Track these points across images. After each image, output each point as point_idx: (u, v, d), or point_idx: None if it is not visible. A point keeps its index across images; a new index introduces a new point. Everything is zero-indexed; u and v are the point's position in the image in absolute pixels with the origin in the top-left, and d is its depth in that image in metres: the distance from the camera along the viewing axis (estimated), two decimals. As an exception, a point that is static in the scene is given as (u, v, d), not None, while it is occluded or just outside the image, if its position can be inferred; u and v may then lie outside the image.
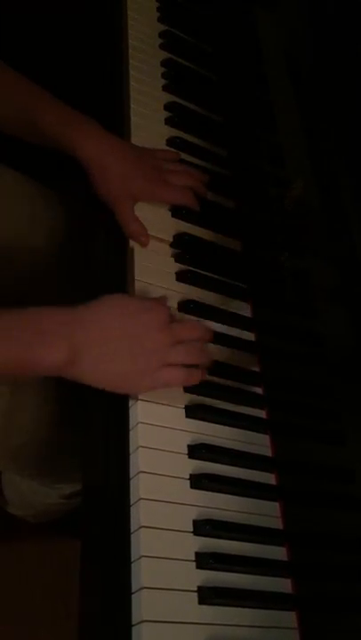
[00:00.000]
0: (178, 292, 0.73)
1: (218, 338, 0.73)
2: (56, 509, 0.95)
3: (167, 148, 0.85)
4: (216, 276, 0.77)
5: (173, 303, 0.72)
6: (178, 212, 0.80)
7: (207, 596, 0.57)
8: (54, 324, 0.60)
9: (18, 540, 1.04)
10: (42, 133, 0.77)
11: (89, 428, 0.66)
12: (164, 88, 0.90)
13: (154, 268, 0.73)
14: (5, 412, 0.79)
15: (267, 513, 0.66)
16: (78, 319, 0.61)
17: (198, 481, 0.63)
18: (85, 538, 0.62)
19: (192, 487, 0.62)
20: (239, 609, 0.59)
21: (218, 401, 0.69)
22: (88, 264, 0.80)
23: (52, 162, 0.81)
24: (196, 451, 0.64)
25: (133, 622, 0.54)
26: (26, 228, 0.87)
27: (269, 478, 0.68)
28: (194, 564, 0.58)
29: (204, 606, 0.57)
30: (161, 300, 0.69)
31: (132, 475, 0.61)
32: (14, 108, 0.78)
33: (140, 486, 0.59)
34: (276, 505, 0.67)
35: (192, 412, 0.66)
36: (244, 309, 0.78)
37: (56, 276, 0.94)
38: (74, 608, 0.60)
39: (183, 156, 0.85)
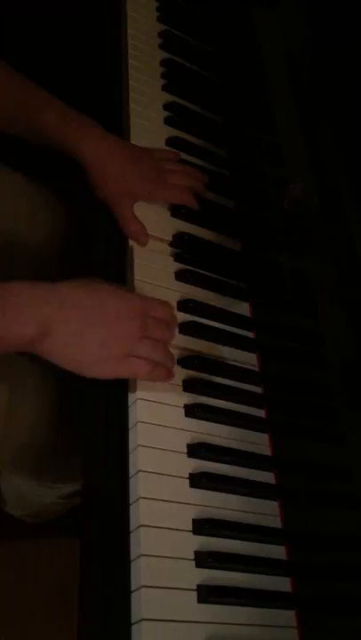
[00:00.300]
0: (177, 291, 0.73)
1: (217, 337, 0.73)
2: (55, 509, 0.95)
3: (166, 147, 0.85)
4: (215, 276, 0.77)
5: (173, 302, 0.72)
6: (177, 211, 0.80)
7: (206, 594, 0.58)
8: (27, 298, 0.59)
9: (17, 539, 1.04)
10: (41, 133, 0.77)
11: (88, 428, 0.67)
12: (164, 88, 0.91)
13: (153, 267, 0.73)
14: (4, 411, 0.79)
15: (266, 512, 0.66)
16: (53, 296, 0.61)
17: (198, 480, 0.63)
18: (85, 537, 0.63)
19: (191, 486, 0.62)
20: (238, 607, 0.59)
21: (217, 400, 0.69)
22: (88, 264, 0.80)
23: (52, 162, 0.81)
24: (195, 450, 0.64)
25: (133, 621, 0.55)
26: (25, 227, 0.87)
27: (269, 477, 0.68)
28: (193, 562, 0.59)
29: (203, 605, 0.57)
30: (140, 295, 0.69)
31: (131, 474, 0.61)
32: (14, 108, 0.78)
33: (140, 485, 0.59)
34: (276, 504, 0.67)
35: (191, 411, 0.66)
36: (244, 309, 0.78)
37: (56, 276, 0.94)
38: (73, 607, 0.60)
39: (183, 155, 0.85)
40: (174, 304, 0.72)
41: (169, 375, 0.66)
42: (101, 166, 0.75)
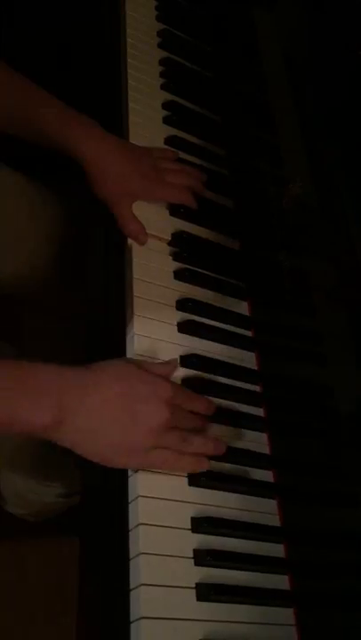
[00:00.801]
0: (176, 290, 0.74)
1: (216, 335, 0.73)
2: (54, 508, 0.95)
3: (165, 146, 0.85)
4: (214, 275, 0.78)
5: (172, 302, 0.72)
6: (176, 210, 0.80)
7: (205, 592, 0.58)
8: (46, 382, 0.57)
9: (16, 538, 1.04)
10: (40, 133, 0.77)
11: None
12: (163, 87, 0.90)
13: (152, 266, 0.73)
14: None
15: (265, 510, 0.66)
16: (73, 381, 0.58)
17: (196, 478, 0.63)
18: (84, 535, 0.63)
19: (190, 485, 0.62)
20: (237, 605, 0.59)
21: (216, 399, 0.69)
22: (87, 263, 0.80)
23: (51, 161, 0.81)
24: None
25: (132, 619, 0.55)
26: (24, 227, 0.88)
27: (268, 476, 0.68)
28: (192, 560, 0.59)
29: (202, 603, 0.57)
30: (166, 373, 0.65)
31: (130, 472, 0.61)
32: (14, 108, 0.78)
33: (139, 484, 0.60)
34: (274, 502, 0.67)
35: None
36: (243, 308, 0.78)
37: (55, 276, 0.94)
38: (73, 605, 0.61)
39: (181, 154, 0.85)
40: (173, 303, 0.72)
41: (201, 465, 0.63)
42: (101, 166, 0.75)
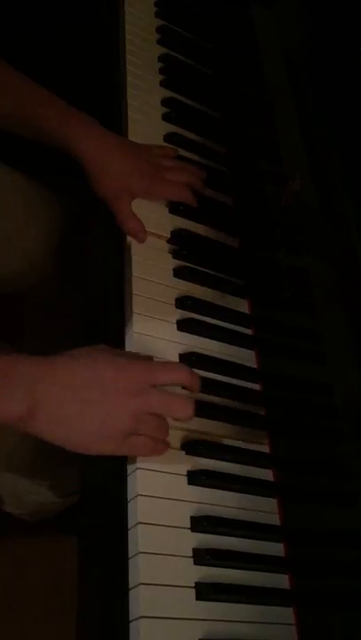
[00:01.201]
0: (175, 288, 0.73)
1: (215, 334, 0.73)
2: (52, 508, 0.95)
3: (164, 144, 0.85)
4: (214, 273, 0.77)
5: (171, 299, 0.72)
6: (175, 208, 0.79)
7: (205, 591, 0.57)
8: (17, 374, 0.55)
9: (14, 538, 1.04)
10: (40, 131, 0.76)
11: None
12: (162, 84, 0.90)
13: (151, 264, 0.73)
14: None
15: (264, 509, 0.66)
16: (46, 370, 0.57)
17: (196, 477, 0.62)
18: (83, 534, 0.62)
19: (189, 483, 0.62)
20: (237, 605, 0.59)
21: (216, 397, 0.69)
22: (86, 261, 0.80)
23: (50, 159, 0.81)
24: (193, 447, 0.64)
25: (131, 618, 0.54)
26: (22, 225, 0.87)
27: (267, 474, 0.68)
28: (191, 560, 0.58)
29: (201, 602, 0.57)
30: (146, 360, 0.64)
31: (129, 472, 0.61)
32: (13, 106, 0.77)
33: (138, 483, 0.59)
34: (274, 501, 0.67)
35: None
36: (242, 306, 0.78)
37: (53, 274, 0.94)
38: (71, 604, 0.60)
39: (181, 152, 0.85)
40: (173, 301, 0.72)
41: (166, 447, 0.62)
42: (100, 164, 0.75)
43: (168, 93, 0.90)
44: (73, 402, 0.57)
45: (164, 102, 0.89)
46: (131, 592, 0.55)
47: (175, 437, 0.64)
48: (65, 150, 0.75)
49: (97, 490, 0.63)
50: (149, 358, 0.65)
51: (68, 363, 0.58)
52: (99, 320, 0.73)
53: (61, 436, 0.58)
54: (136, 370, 0.60)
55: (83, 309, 0.78)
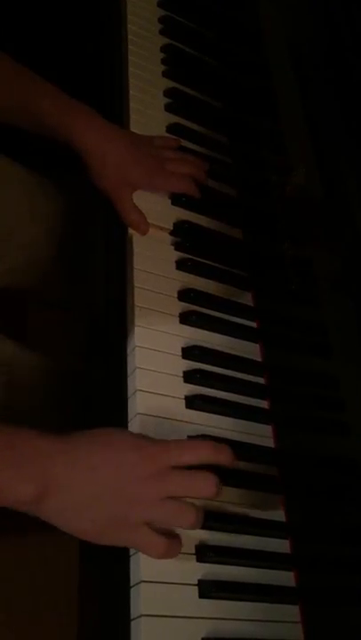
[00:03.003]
0: (178, 280, 0.72)
1: (219, 326, 0.72)
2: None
3: (167, 134, 0.84)
4: (217, 265, 0.76)
5: (173, 292, 0.71)
6: (178, 199, 0.78)
7: (208, 589, 0.56)
8: (30, 453, 0.52)
9: (18, 533, 1.04)
10: (39, 122, 0.76)
11: (84, 422, 0.65)
12: (164, 74, 0.89)
13: (153, 256, 0.72)
14: (0, 406, 0.78)
15: (269, 505, 0.65)
16: (59, 453, 0.53)
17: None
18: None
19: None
20: (241, 602, 0.58)
21: (218, 391, 0.68)
22: (87, 253, 0.79)
23: (51, 152, 0.80)
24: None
25: (132, 617, 0.53)
26: (24, 218, 0.86)
27: (271, 470, 0.67)
28: (194, 557, 0.57)
29: (204, 600, 0.56)
30: (165, 444, 0.57)
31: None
32: (12, 97, 0.77)
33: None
34: (279, 497, 0.66)
35: (192, 403, 0.65)
36: (246, 298, 0.77)
37: (56, 268, 0.93)
38: (75, 602, 0.60)
39: (183, 142, 0.84)
40: (175, 294, 0.71)
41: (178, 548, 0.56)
42: (100, 156, 0.74)
43: (170, 84, 0.89)
44: (84, 487, 0.53)
45: (167, 93, 0.88)
46: (132, 590, 0.55)
47: (178, 431, 0.62)
48: (65, 142, 0.74)
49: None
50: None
51: (85, 442, 0.55)
52: (101, 314, 0.73)
53: (70, 523, 0.54)
54: (156, 451, 0.55)
55: (85, 303, 0.77)
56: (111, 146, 0.75)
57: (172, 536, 0.55)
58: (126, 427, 0.62)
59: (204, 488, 0.56)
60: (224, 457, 0.57)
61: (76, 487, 0.53)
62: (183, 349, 0.68)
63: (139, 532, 0.54)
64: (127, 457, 0.54)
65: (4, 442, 0.52)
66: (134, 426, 0.61)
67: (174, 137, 0.83)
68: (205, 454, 0.57)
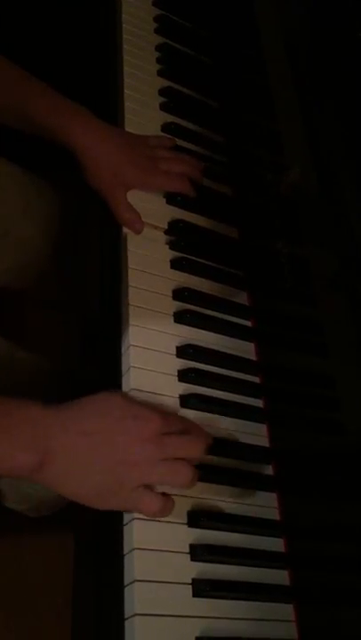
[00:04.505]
0: (172, 279, 0.72)
1: (214, 325, 0.72)
2: (53, 503, 0.94)
3: (162, 134, 0.84)
4: (212, 264, 0.76)
5: (168, 291, 0.71)
6: (173, 198, 0.78)
7: (202, 588, 0.56)
8: (30, 421, 0.54)
9: (16, 533, 1.04)
10: (34, 123, 0.76)
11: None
12: (159, 73, 0.89)
13: (148, 255, 0.72)
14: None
15: (263, 504, 0.65)
16: (58, 420, 0.55)
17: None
18: (78, 531, 0.62)
19: (187, 478, 0.61)
20: (235, 601, 0.58)
21: (213, 390, 0.68)
22: (82, 253, 0.79)
23: (46, 151, 0.80)
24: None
25: (126, 616, 0.53)
26: (18, 217, 0.86)
27: (266, 469, 0.67)
28: (188, 556, 0.57)
29: (198, 599, 0.56)
30: (157, 410, 0.60)
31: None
32: (7, 97, 0.77)
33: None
34: (273, 496, 0.66)
35: (186, 401, 0.65)
36: (241, 297, 0.77)
37: (52, 267, 0.93)
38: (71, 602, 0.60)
39: (178, 142, 0.84)
40: (170, 293, 0.71)
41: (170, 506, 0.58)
42: (93, 155, 0.74)
43: (166, 83, 0.89)
44: (83, 451, 0.55)
45: (162, 92, 0.87)
46: (126, 589, 0.55)
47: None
48: (58, 141, 0.74)
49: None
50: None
51: (81, 408, 0.57)
52: (96, 313, 0.73)
53: (68, 488, 0.56)
54: (150, 416, 0.58)
55: (80, 303, 0.77)
56: (106, 146, 0.74)
57: (165, 496, 0.57)
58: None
59: (194, 448, 0.59)
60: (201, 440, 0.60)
61: (73, 453, 0.54)
62: (178, 348, 0.68)
63: (134, 493, 0.56)
64: (121, 422, 0.56)
65: (3, 411, 0.54)
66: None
67: (169, 136, 0.83)
68: (191, 427, 0.61)
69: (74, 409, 0.57)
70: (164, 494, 0.57)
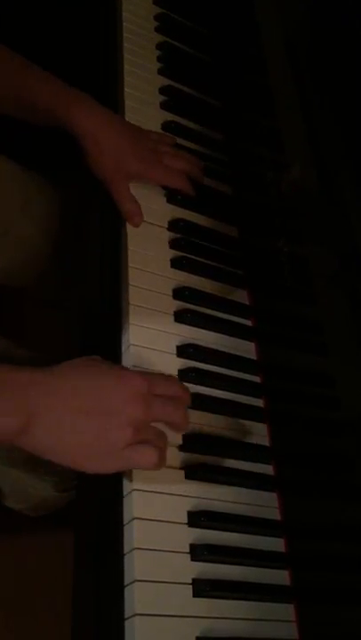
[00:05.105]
0: (172, 278, 0.72)
1: (214, 327, 0.72)
2: (52, 503, 0.94)
3: (162, 132, 0.83)
4: (212, 263, 0.76)
5: (168, 290, 0.71)
6: (173, 197, 0.78)
7: (202, 588, 0.56)
8: (10, 385, 0.54)
9: (16, 533, 1.04)
10: (36, 109, 0.75)
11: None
12: (160, 71, 0.89)
13: (148, 254, 0.72)
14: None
15: (264, 504, 0.64)
16: (40, 382, 0.54)
17: (193, 472, 0.61)
18: (78, 530, 0.61)
19: (187, 478, 0.61)
20: (235, 601, 0.58)
21: (214, 390, 0.68)
22: (82, 251, 0.78)
23: (46, 149, 0.80)
24: (191, 443, 0.63)
25: (126, 616, 0.53)
26: (18, 215, 0.86)
27: (267, 469, 0.67)
28: (188, 556, 0.57)
29: (198, 599, 0.56)
30: (143, 372, 0.62)
31: (124, 465, 0.59)
32: (8, 84, 0.76)
33: (133, 478, 0.58)
34: (274, 496, 0.65)
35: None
36: (241, 296, 0.76)
37: (52, 265, 0.93)
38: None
39: (179, 140, 0.84)
40: (170, 292, 0.71)
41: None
42: (96, 140, 0.73)
43: (166, 81, 0.88)
44: (69, 412, 0.54)
45: (163, 90, 0.87)
46: (126, 589, 0.54)
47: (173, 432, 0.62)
48: (60, 127, 0.74)
49: (92, 485, 0.61)
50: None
51: (65, 371, 0.56)
52: (95, 312, 0.72)
53: (56, 452, 0.55)
54: (135, 378, 0.58)
55: (80, 301, 0.77)
56: (107, 130, 0.74)
57: (158, 447, 0.57)
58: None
59: (182, 416, 0.60)
60: (188, 398, 0.61)
61: (58, 415, 0.54)
62: (178, 347, 0.68)
63: (126, 451, 0.55)
64: (107, 382, 0.56)
65: None
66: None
67: (170, 135, 0.83)
68: (177, 389, 0.61)
69: (57, 371, 0.56)
70: (156, 445, 0.57)
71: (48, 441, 0.54)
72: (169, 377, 0.63)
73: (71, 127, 0.73)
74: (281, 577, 0.61)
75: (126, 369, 0.61)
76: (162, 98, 0.87)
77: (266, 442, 0.68)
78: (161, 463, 0.57)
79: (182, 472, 0.61)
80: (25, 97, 0.75)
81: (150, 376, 0.60)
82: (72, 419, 0.55)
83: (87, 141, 0.73)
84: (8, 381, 0.54)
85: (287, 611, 0.60)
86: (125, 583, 0.55)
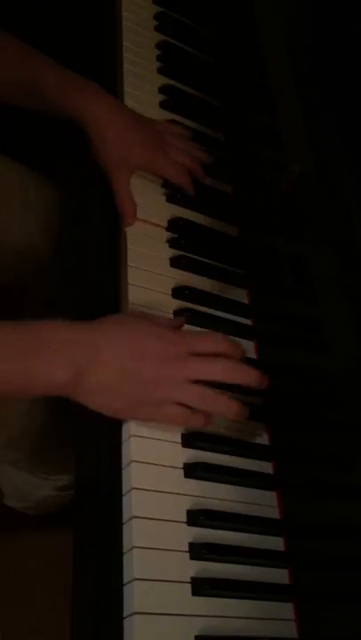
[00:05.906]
0: (172, 277, 0.72)
1: (214, 324, 0.71)
2: (53, 502, 0.94)
3: (168, 122, 0.83)
4: (212, 262, 0.76)
5: (167, 289, 0.71)
6: (173, 196, 0.78)
7: (201, 587, 0.56)
8: (58, 342, 0.57)
9: (17, 532, 1.04)
10: (43, 96, 0.75)
11: (81, 418, 0.65)
12: (160, 71, 0.89)
13: (147, 253, 0.72)
14: None
15: (263, 502, 0.64)
16: (85, 338, 0.58)
17: (192, 470, 0.61)
18: (77, 528, 0.61)
19: (186, 476, 0.61)
20: (235, 600, 0.58)
21: (215, 389, 0.67)
22: (81, 250, 0.78)
23: (46, 148, 0.79)
24: (190, 439, 0.63)
25: (125, 614, 0.53)
26: (17, 213, 0.86)
27: (266, 467, 0.67)
28: (187, 554, 0.57)
29: (197, 598, 0.56)
30: (175, 325, 0.65)
31: (124, 464, 0.59)
32: (14, 72, 0.76)
33: (133, 476, 0.58)
34: (273, 494, 0.65)
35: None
36: (241, 295, 0.76)
37: (52, 264, 0.93)
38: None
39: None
40: (169, 291, 0.71)
41: (207, 423, 0.62)
42: (101, 126, 0.73)
43: (166, 81, 0.89)
44: (115, 369, 0.58)
45: (162, 90, 0.88)
46: (125, 588, 0.54)
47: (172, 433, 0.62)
48: (65, 115, 0.74)
49: (91, 483, 0.61)
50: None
51: (111, 327, 0.60)
52: (95, 311, 0.72)
53: (102, 404, 0.59)
54: (176, 338, 0.61)
55: (80, 300, 0.77)
56: (113, 119, 0.74)
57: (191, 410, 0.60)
58: (120, 426, 0.62)
59: (222, 371, 0.61)
60: (237, 350, 0.63)
61: (104, 372, 0.57)
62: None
63: (163, 407, 0.59)
64: (149, 342, 0.59)
65: (34, 335, 0.57)
66: (128, 423, 0.61)
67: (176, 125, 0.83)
68: (221, 346, 0.62)
69: (103, 327, 0.59)
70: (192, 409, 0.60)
71: (94, 395, 0.58)
72: (213, 334, 0.64)
73: (78, 115, 0.73)
74: (280, 576, 0.61)
75: (168, 327, 0.63)
76: (161, 97, 0.87)
77: (265, 440, 0.68)
78: (190, 423, 0.61)
79: (181, 470, 0.61)
80: (33, 85, 0.75)
81: (190, 335, 0.62)
82: (114, 378, 0.58)
83: (92, 129, 0.73)
84: (56, 337, 0.57)
85: (287, 610, 0.60)
86: (124, 582, 0.54)
